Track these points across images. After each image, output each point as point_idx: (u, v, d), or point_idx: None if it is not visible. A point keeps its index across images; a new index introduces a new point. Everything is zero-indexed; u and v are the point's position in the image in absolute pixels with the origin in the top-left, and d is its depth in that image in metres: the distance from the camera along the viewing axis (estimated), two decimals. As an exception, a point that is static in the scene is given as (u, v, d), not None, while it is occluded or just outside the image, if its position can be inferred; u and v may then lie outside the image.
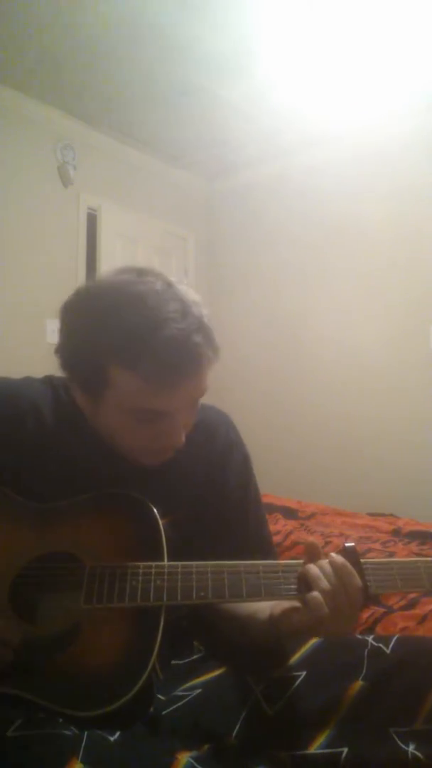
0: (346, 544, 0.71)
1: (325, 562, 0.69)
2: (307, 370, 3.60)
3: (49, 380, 0.90)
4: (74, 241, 3.29)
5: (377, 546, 1.72)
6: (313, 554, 0.71)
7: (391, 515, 2.23)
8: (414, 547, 1.76)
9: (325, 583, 0.67)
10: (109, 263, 3.36)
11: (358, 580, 0.67)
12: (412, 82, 2.80)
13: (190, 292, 0.76)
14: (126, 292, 0.72)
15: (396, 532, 1.90)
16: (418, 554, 1.67)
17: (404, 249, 3.20)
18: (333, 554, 0.70)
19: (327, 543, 1.67)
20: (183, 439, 0.78)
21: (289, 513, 2.15)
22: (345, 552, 0.70)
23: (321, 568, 0.68)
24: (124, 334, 0.70)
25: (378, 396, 3.29)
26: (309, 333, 3.59)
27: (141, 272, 0.75)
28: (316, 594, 0.66)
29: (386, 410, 3.26)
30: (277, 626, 0.71)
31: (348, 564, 0.68)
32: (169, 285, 0.74)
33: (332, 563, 0.69)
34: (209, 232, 4.14)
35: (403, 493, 3.02)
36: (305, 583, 0.69)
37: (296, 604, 0.69)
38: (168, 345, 0.69)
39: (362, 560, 0.70)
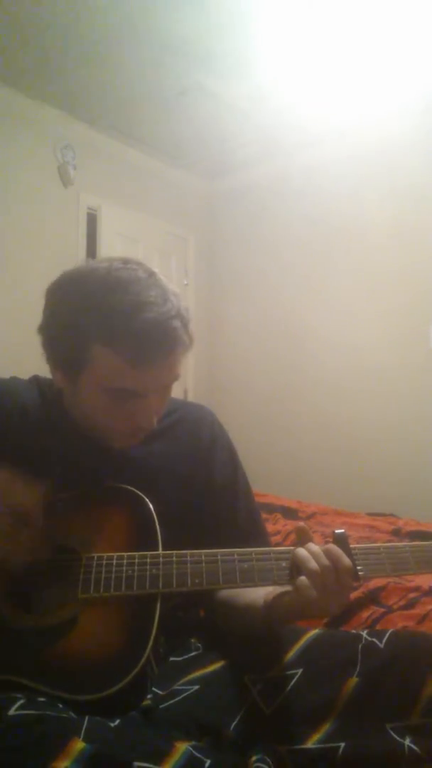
0: (336, 531, 0.73)
1: (314, 544, 0.72)
2: (307, 369, 3.60)
3: (35, 380, 0.94)
4: (74, 242, 3.29)
5: (377, 546, 1.71)
6: (303, 538, 0.73)
7: (391, 515, 2.23)
8: (414, 547, 1.75)
9: (313, 564, 0.69)
10: (109, 263, 3.36)
11: (347, 560, 0.70)
12: (412, 82, 2.81)
13: (170, 284, 0.81)
14: (111, 276, 0.76)
15: (396, 532, 1.90)
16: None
17: (404, 249, 3.20)
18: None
19: (327, 543, 1.67)
20: (154, 422, 0.81)
21: (289, 513, 2.15)
22: (335, 538, 0.72)
23: (309, 550, 0.71)
24: (108, 313, 0.73)
25: (378, 396, 3.29)
26: (308, 332, 3.59)
27: (125, 261, 0.79)
28: (303, 578, 0.69)
29: (386, 410, 3.26)
30: (270, 610, 0.73)
31: (337, 547, 0.71)
32: (150, 274, 0.78)
33: (321, 546, 0.71)
34: (209, 232, 4.15)
35: (403, 493, 3.02)
36: (296, 567, 0.71)
37: (289, 588, 0.71)
38: (148, 326, 0.73)
39: (352, 546, 0.72)
